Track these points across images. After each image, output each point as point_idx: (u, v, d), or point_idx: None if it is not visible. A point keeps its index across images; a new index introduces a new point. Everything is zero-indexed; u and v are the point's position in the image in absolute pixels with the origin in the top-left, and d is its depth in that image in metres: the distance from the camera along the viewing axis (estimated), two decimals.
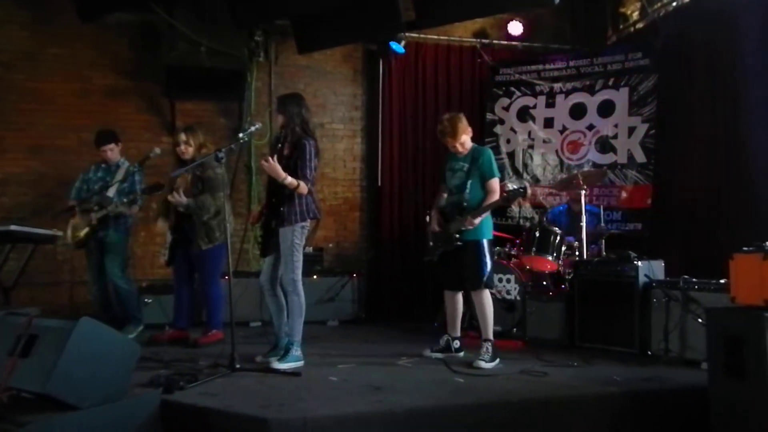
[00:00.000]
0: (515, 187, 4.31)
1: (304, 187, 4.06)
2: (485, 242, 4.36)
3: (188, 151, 4.79)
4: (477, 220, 4.24)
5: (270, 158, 3.99)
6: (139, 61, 6.60)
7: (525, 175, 6.96)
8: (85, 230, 5.03)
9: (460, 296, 4.55)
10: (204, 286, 4.86)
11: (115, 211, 4.99)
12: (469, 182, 4.32)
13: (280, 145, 4.17)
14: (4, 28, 6.32)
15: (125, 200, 4.99)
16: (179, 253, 4.86)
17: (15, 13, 6.34)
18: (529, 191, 4.35)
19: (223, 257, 4.87)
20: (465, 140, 4.42)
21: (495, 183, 4.36)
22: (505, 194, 4.28)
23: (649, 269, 4.63)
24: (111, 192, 5.12)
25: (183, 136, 4.82)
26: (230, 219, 4.83)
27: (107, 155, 5.27)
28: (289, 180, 3.98)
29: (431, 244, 4.51)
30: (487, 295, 4.36)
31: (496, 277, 5.52)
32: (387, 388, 3.48)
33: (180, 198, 4.63)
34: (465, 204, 4.30)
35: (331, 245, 7.06)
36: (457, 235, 4.29)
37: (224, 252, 4.82)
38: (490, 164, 4.36)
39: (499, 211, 6.93)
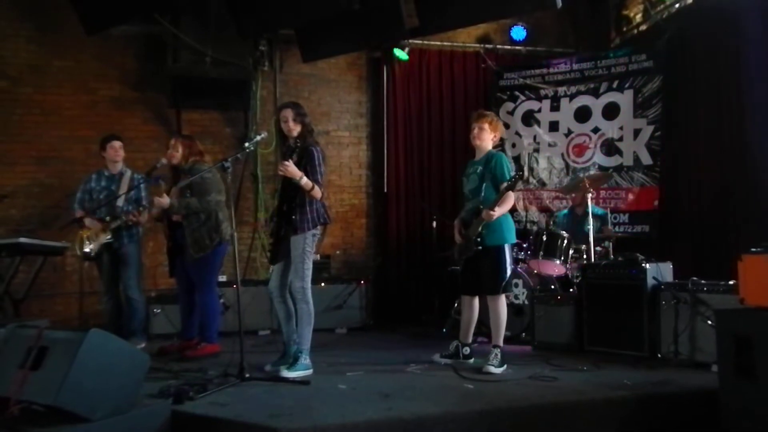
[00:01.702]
0: (511, 175, 4.25)
1: (318, 191, 4.07)
2: (506, 247, 4.30)
3: (174, 156, 4.78)
4: (494, 213, 4.14)
5: (284, 162, 4.00)
6: (145, 72, 6.66)
7: (531, 179, 6.96)
8: (100, 243, 5.00)
9: (476, 303, 4.49)
10: (198, 295, 4.75)
11: (129, 220, 4.97)
12: (484, 185, 4.29)
13: (290, 153, 4.16)
14: (10, 41, 6.38)
15: (140, 208, 4.99)
16: (178, 263, 4.83)
17: (21, 27, 6.41)
18: (525, 173, 4.32)
19: (216, 266, 4.81)
20: (484, 128, 4.36)
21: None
22: (506, 184, 4.20)
23: (658, 271, 4.61)
24: (120, 202, 5.14)
25: (172, 141, 4.85)
26: (225, 226, 4.71)
27: (112, 153, 5.22)
28: (305, 180, 3.99)
29: (456, 255, 4.46)
30: (503, 302, 4.32)
31: None
32: (396, 395, 3.47)
33: (163, 200, 4.62)
34: (481, 207, 4.25)
35: (338, 252, 7.07)
36: (478, 239, 4.25)
37: (217, 260, 4.79)
38: (503, 168, 4.30)
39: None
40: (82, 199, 5.25)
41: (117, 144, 5.28)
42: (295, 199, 4.08)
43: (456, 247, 4.47)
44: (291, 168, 3.97)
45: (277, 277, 4.23)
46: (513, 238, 4.37)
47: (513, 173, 4.23)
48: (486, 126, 4.39)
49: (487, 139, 4.41)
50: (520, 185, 6.91)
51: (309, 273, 4.08)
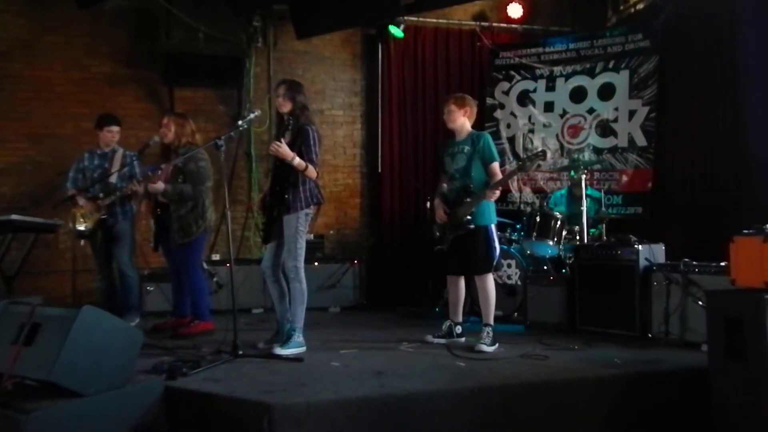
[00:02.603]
0: (529, 153, 4.23)
1: (312, 171, 4.04)
2: (492, 227, 4.36)
3: (166, 134, 4.75)
4: (497, 193, 4.26)
5: (276, 142, 3.98)
6: (137, 48, 6.57)
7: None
8: (93, 221, 5.00)
9: (462, 281, 4.54)
10: (184, 276, 4.79)
11: (123, 193, 4.97)
12: (473, 165, 4.31)
13: (284, 131, 4.14)
14: (0, 16, 6.28)
15: (136, 180, 4.96)
16: (165, 242, 4.82)
17: (11, 1, 6.30)
18: (549, 155, 4.28)
19: (201, 248, 4.87)
20: (453, 110, 4.38)
21: (496, 167, 4.34)
22: (524, 157, 4.21)
23: (650, 253, 4.64)
24: (113, 179, 5.13)
25: (165, 119, 4.82)
26: (210, 212, 4.79)
27: (109, 137, 5.22)
28: (298, 161, 3.96)
29: (439, 233, 4.45)
30: (491, 280, 4.37)
31: None
32: (388, 372, 3.50)
33: (157, 185, 4.61)
34: (471, 186, 4.28)
35: (332, 232, 7.07)
36: (468, 218, 4.26)
37: (202, 243, 4.87)
38: (490, 148, 4.34)
39: (500, 195, 6.88)
40: (75, 178, 5.24)
41: (115, 129, 5.26)
42: (288, 178, 4.05)
43: (439, 226, 4.46)
44: (283, 149, 3.95)
45: (269, 256, 4.23)
46: (495, 220, 4.44)
47: (533, 152, 4.20)
48: (452, 107, 4.39)
49: (458, 118, 4.41)
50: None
51: (302, 252, 4.08)
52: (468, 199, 4.27)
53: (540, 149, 4.20)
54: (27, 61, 6.33)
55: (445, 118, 4.45)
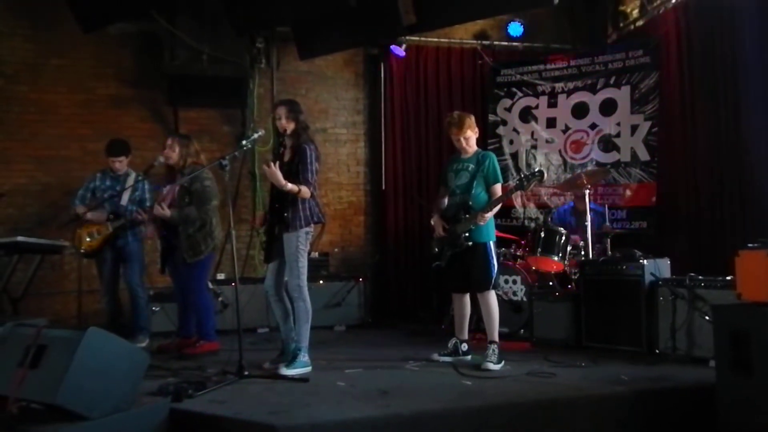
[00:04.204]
0: (527, 173, 4.25)
1: (306, 192, 4.06)
2: (491, 244, 4.38)
3: (171, 156, 4.77)
4: (488, 215, 4.26)
5: (272, 164, 4.00)
6: (142, 70, 6.64)
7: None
8: (99, 240, 5.03)
9: (468, 298, 4.53)
10: (190, 296, 4.81)
11: (133, 218, 5.01)
12: (475, 183, 4.33)
13: (282, 149, 4.19)
14: (7, 40, 6.36)
15: (145, 208, 5.01)
16: (171, 262, 4.85)
17: (17, 25, 6.39)
18: (545, 175, 4.30)
19: (208, 268, 4.91)
20: (470, 136, 4.42)
21: (499, 188, 4.37)
22: (521, 176, 4.24)
23: (655, 267, 4.62)
24: (123, 200, 5.16)
25: (169, 140, 4.86)
26: (218, 231, 4.82)
27: (116, 166, 5.30)
28: (290, 186, 3.98)
29: (437, 249, 4.47)
30: (493, 297, 4.37)
31: (502, 278, 5.52)
32: (394, 392, 3.48)
33: (164, 211, 4.63)
34: (470, 204, 4.30)
35: (336, 250, 7.07)
36: (466, 235, 4.28)
37: (210, 263, 4.90)
38: (495, 169, 4.37)
39: (504, 211, 6.93)
40: (84, 196, 5.27)
41: (118, 159, 5.28)
42: (287, 196, 4.07)
43: (437, 241, 4.47)
44: (277, 177, 3.94)
45: (272, 276, 4.23)
46: (494, 237, 4.45)
47: (531, 172, 4.22)
48: (470, 134, 4.40)
49: (473, 142, 4.44)
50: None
51: (304, 270, 4.08)
52: (466, 216, 4.29)
53: (537, 170, 4.22)
54: (33, 83, 6.40)
55: (462, 139, 4.39)
